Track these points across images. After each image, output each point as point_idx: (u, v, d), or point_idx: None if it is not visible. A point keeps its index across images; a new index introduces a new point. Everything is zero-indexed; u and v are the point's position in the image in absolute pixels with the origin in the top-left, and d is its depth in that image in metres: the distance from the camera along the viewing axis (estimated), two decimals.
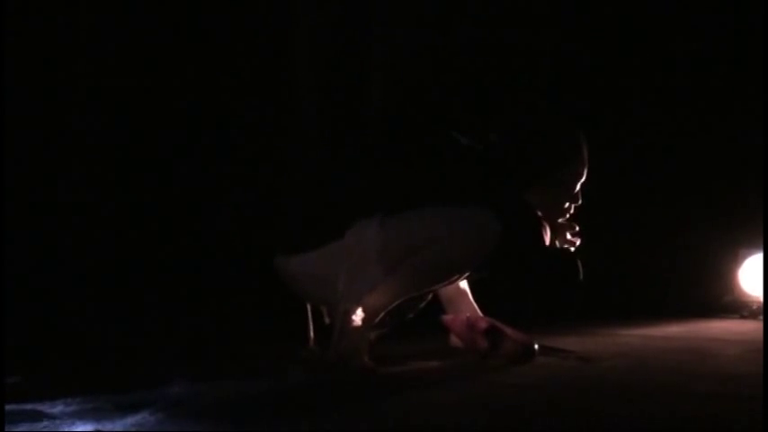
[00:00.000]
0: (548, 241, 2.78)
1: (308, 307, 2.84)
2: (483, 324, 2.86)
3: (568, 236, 2.89)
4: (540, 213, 2.77)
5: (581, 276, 2.69)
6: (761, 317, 3.93)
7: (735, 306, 4.11)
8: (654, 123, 4.29)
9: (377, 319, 2.68)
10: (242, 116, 3.56)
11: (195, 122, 3.47)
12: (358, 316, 2.62)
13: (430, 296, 2.88)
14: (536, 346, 2.80)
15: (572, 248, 2.90)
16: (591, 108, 4.09)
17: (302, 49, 3.66)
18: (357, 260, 2.63)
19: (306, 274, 2.74)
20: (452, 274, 2.72)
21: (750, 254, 4.10)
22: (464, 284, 3.00)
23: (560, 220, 2.89)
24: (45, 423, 2.03)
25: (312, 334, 2.82)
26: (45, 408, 2.16)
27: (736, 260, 4.13)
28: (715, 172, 4.24)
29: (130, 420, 2.03)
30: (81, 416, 2.08)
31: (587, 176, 2.90)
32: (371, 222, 2.64)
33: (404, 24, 3.84)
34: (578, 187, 2.90)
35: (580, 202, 2.91)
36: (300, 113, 3.68)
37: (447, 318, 2.96)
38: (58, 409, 2.15)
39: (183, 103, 3.42)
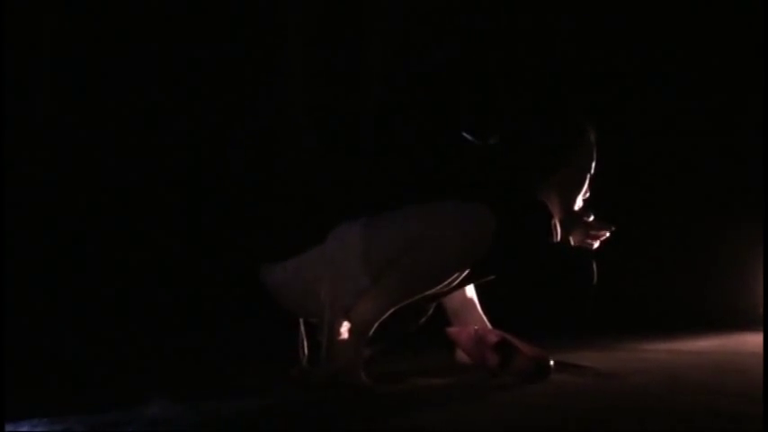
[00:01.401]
0: (558, 238, 2.70)
1: (301, 321, 2.75)
2: (493, 338, 2.78)
3: (587, 237, 2.81)
4: (551, 209, 2.69)
5: (595, 279, 2.60)
6: None
7: None
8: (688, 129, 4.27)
9: (369, 332, 2.58)
10: (231, 118, 3.57)
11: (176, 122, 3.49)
12: (346, 329, 2.55)
13: (432, 308, 2.80)
14: (551, 362, 2.73)
15: (591, 248, 2.82)
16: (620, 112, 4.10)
17: (293, 45, 3.68)
18: (341, 267, 2.56)
19: (288, 284, 2.67)
20: (447, 276, 2.62)
21: None
22: (471, 293, 2.92)
23: (576, 208, 2.81)
24: None
25: (306, 351, 2.73)
26: (9, 429, 2.11)
27: None
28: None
29: None
30: None
31: (597, 168, 2.84)
32: (355, 224, 2.58)
33: (400, 18, 3.85)
34: (588, 179, 2.82)
35: (588, 195, 2.85)
36: (290, 112, 3.68)
37: (453, 331, 2.88)
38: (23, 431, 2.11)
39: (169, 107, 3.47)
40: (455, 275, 2.63)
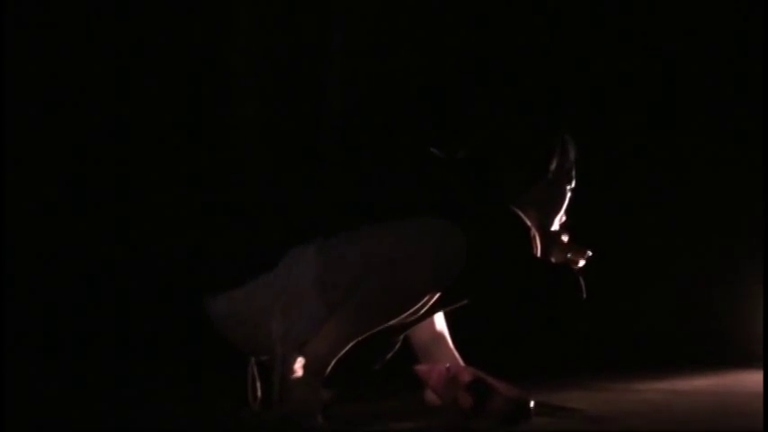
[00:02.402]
0: (539, 253, 2.64)
1: (252, 358, 2.64)
2: (466, 376, 2.65)
3: (568, 255, 2.73)
4: (530, 225, 2.62)
5: (584, 294, 2.53)
6: None
7: None
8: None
9: (327, 370, 2.48)
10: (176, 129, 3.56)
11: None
12: (300, 366, 2.44)
13: (399, 341, 2.69)
14: (531, 404, 2.62)
15: (573, 267, 2.74)
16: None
17: (243, 55, 3.69)
18: (294, 296, 2.48)
19: (234, 316, 2.56)
20: (413, 303, 2.52)
21: None
22: (442, 326, 2.82)
23: (553, 229, 2.74)
24: None
25: (257, 391, 2.63)
26: None
27: None
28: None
29: None
30: None
31: (576, 181, 2.77)
32: (309, 247, 2.49)
33: (363, 21, 3.84)
34: (566, 198, 2.75)
35: (565, 219, 2.78)
36: (238, 123, 3.65)
37: (422, 369, 2.74)
38: None
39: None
40: (423, 302, 2.52)
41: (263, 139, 3.62)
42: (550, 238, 2.71)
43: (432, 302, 2.55)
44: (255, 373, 2.63)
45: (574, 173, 2.75)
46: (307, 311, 2.47)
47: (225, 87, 3.69)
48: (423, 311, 2.57)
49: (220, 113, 3.65)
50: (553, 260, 2.71)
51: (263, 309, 2.50)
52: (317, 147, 3.58)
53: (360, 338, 2.51)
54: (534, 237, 2.59)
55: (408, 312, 2.53)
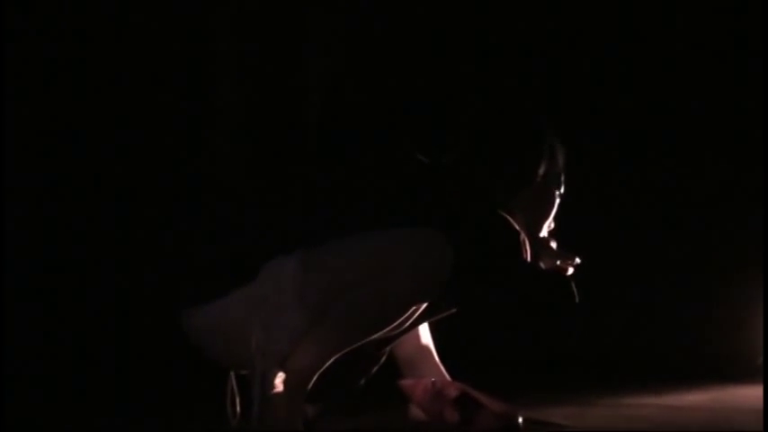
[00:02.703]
0: (528, 256, 2.59)
1: (231, 374, 2.57)
2: (452, 391, 2.62)
3: (557, 262, 2.68)
4: (519, 230, 2.57)
5: (577, 299, 2.47)
6: None
7: None
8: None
9: (309, 385, 2.42)
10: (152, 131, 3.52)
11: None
12: (281, 381, 2.38)
13: (385, 355, 2.64)
14: (520, 420, 2.58)
15: (563, 273, 2.71)
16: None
17: (223, 60, 3.66)
18: (274, 309, 2.41)
19: (213, 331, 2.50)
20: (397, 316, 2.47)
21: None
22: (427, 339, 2.77)
23: (542, 235, 2.70)
24: None
25: (237, 407, 2.55)
26: None
27: None
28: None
29: None
30: None
31: (566, 187, 2.74)
32: (289, 258, 2.42)
33: (345, 18, 3.83)
34: (555, 205, 2.71)
35: (553, 226, 2.74)
36: (215, 123, 3.62)
37: (406, 383, 2.69)
38: None
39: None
40: (408, 314, 2.47)
41: (241, 146, 3.59)
42: (539, 245, 2.67)
43: (418, 313, 2.50)
44: (235, 388, 2.56)
45: (563, 178, 2.71)
46: (287, 325, 2.40)
47: (203, 95, 3.68)
48: (408, 323, 2.52)
49: (196, 115, 3.63)
50: (542, 266, 2.66)
51: (241, 322, 2.43)
52: (297, 153, 3.54)
53: (343, 352, 2.45)
54: (524, 242, 2.54)
55: (394, 325, 2.48)
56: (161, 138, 3.58)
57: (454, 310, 2.58)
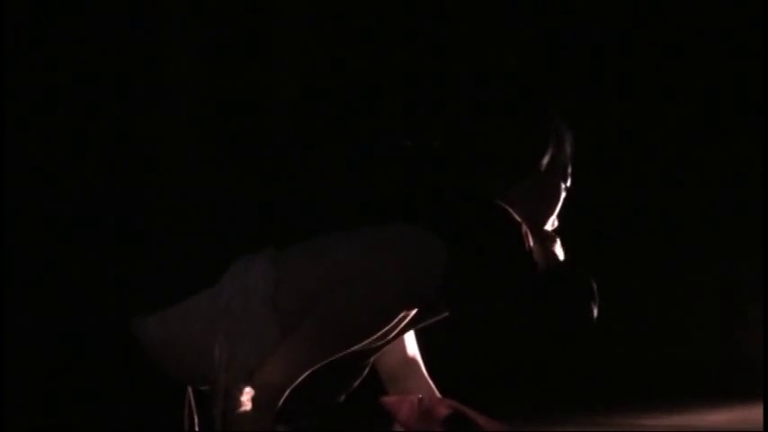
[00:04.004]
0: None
1: (189, 389, 2.47)
2: (443, 409, 2.47)
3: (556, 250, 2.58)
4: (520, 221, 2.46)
5: (596, 296, 2.35)
6: None
7: None
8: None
9: (279, 402, 2.28)
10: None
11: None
12: (249, 398, 2.26)
13: (368, 366, 2.52)
14: None
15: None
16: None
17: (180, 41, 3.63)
18: (240, 316, 2.29)
19: (170, 341, 2.37)
20: (380, 324, 2.35)
21: None
22: (413, 349, 2.64)
23: (543, 231, 2.58)
24: None
25: (195, 427, 2.45)
26: None
27: None
28: None
29: None
30: None
31: (573, 179, 2.62)
32: (259, 259, 2.31)
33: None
34: (560, 198, 2.59)
35: (557, 224, 2.63)
36: (174, 108, 3.60)
37: (390, 400, 2.54)
38: None
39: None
40: (394, 322, 2.35)
41: (202, 131, 3.57)
42: (542, 238, 2.55)
43: (406, 321, 2.37)
44: (193, 405, 2.44)
45: (570, 170, 2.58)
46: (255, 334, 2.28)
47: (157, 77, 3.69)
48: (395, 332, 2.39)
49: (151, 102, 3.61)
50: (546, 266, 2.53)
51: (202, 332, 2.31)
52: (267, 140, 3.51)
53: (319, 365, 2.31)
54: (526, 234, 2.43)
55: (377, 335, 2.35)
56: (114, 124, 3.56)
57: (446, 314, 2.45)
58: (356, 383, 2.52)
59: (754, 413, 3.35)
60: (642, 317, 4.13)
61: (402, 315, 2.37)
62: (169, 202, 3.44)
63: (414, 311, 2.38)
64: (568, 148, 2.58)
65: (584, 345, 2.47)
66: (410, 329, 2.54)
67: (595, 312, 2.37)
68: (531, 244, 2.44)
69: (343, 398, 2.51)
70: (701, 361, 4.03)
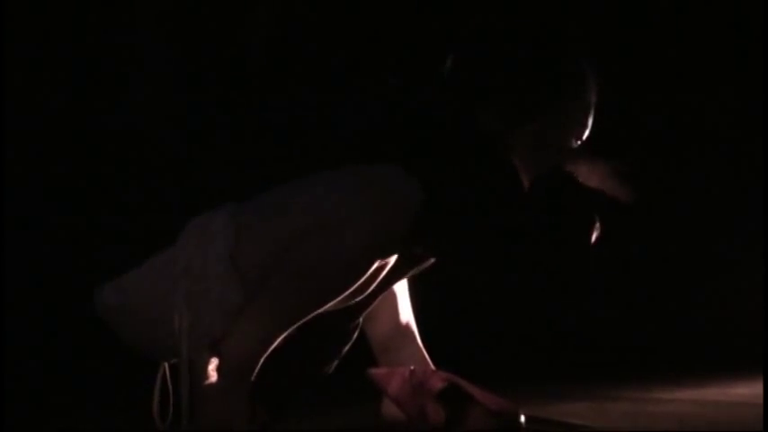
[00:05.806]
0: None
1: (165, 364, 2.33)
2: (437, 382, 2.42)
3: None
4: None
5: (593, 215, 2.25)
6: None
7: None
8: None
9: (252, 374, 2.17)
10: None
11: None
12: (214, 369, 2.14)
13: (356, 331, 2.42)
14: (522, 419, 2.37)
15: None
16: None
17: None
18: (198, 279, 2.21)
19: (125, 309, 2.25)
20: (354, 276, 2.23)
21: None
22: (406, 315, 2.53)
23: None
24: None
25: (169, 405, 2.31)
26: None
27: None
28: None
29: None
30: None
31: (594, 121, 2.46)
32: (218, 214, 2.23)
33: None
34: (575, 144, 2.45)
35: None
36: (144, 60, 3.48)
37: (378, 372, 2.46)
38: None
39: None
40: (368, 273, 2.23)
41: (165, 87, 3.47)
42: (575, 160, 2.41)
43: (385, 272, 2.25)
44: (168, 381, 2.29)
45: (590, 120, 2.41)
46: (218, 298, 2.18)
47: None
48: (374, 285, 2.27)
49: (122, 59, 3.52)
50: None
51: (160, 297, 2.19)
52: (237, 81, 3.43)
53: (293, 330, 2.19)
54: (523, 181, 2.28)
55: (351, 290, 2.21)
56: (83, 87, 3.48)
57: (431, 261, 2.34)
58: (344, 351, 2.41)
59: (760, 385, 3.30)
60: (656, 291, 4.07)
61: (377, 265, 2.24)
62: (124, 160, 3.36)
63: (392, 260, 2.26)
64: (591, 94, 2.43)
65: (584, 306, 2.37)
66: (395, 282, 2.42)
67: (593, 238, 2.25)
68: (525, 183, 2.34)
69: (332, 369, 2.41)
70: (717, 334, 3.99)
